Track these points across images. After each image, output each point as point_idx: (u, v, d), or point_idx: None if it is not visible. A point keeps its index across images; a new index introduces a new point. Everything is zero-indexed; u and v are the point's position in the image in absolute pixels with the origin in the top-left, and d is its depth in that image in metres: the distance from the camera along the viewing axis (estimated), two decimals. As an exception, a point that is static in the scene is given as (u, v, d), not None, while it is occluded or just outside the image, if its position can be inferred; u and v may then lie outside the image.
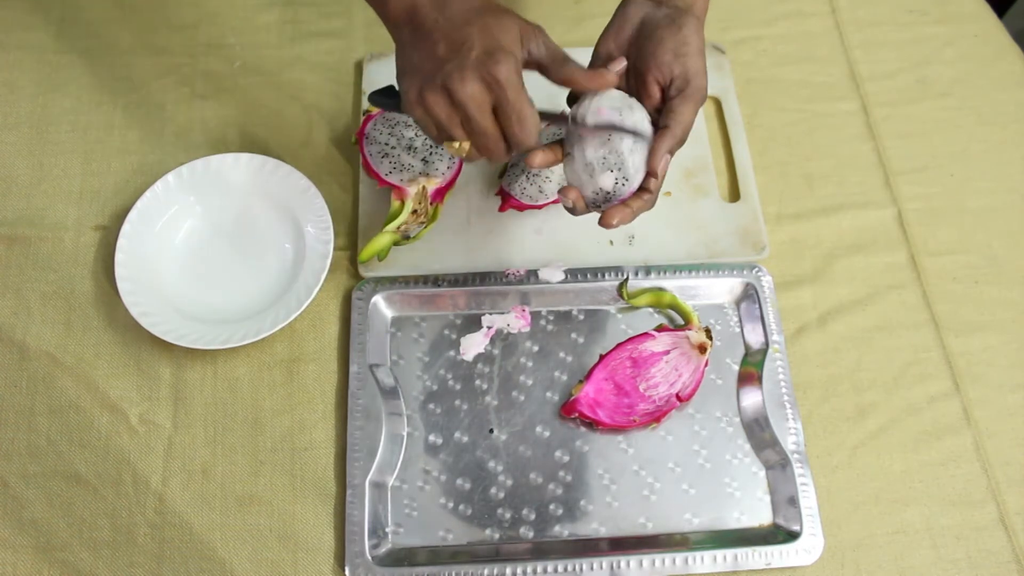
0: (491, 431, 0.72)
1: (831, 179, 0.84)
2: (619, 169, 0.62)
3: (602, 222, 0.63)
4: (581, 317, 0.76)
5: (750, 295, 0.76)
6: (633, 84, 0.65)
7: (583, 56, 0.88)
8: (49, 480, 0.69)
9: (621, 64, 0.63)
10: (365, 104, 0.84)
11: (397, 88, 0.65)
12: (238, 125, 0.85)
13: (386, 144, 0.75)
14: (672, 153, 0.63)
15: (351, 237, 0.79)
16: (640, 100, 0.64)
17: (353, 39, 0.90)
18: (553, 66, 0.60)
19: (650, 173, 0.62)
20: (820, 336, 0.76)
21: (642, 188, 0.63)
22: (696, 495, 0.70)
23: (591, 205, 0.64)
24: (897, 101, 0.88)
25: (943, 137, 0.87)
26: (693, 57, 0.63)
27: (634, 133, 0.62)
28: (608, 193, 0.63)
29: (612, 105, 0.62)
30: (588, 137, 0.62)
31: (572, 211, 0.65)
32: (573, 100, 0.66)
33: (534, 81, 0.60)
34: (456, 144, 0.59)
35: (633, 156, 0.62)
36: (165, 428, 0.71)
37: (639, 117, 0.62)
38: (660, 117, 0.63)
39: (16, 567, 0.66)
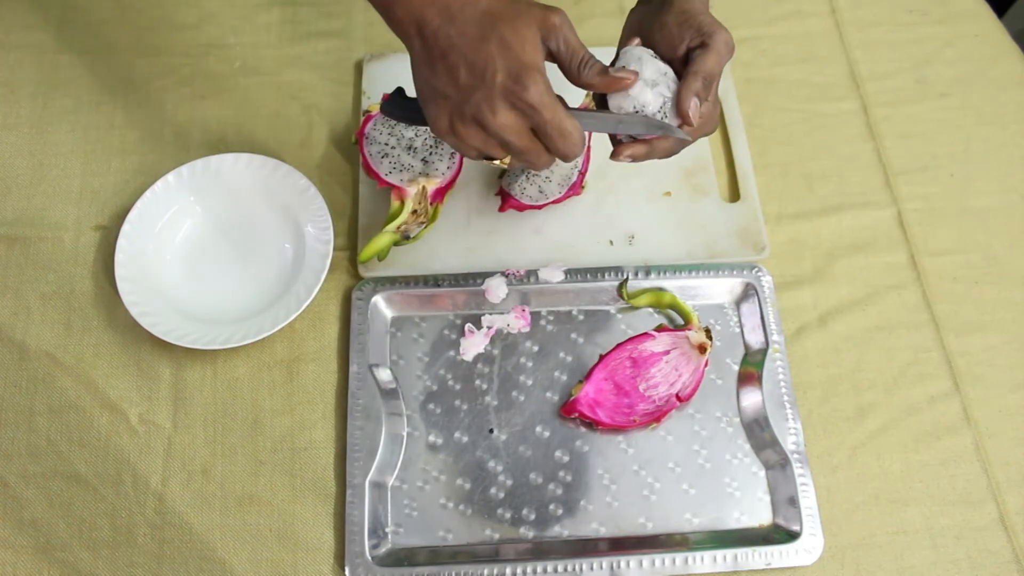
0: (491, 431, 0.72)
1: (831, 179, 0.84)
2: (666, 100, 0.60)
3: (614, 154, 0.62)
4: (581, 317, 0.76)
5: (750, 295, 0.76)
6: None
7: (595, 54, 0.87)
8: (49, 480, 0.69)
9: (636, 41, 0.62)
10: (365, 104, 0.84)
11: (406, 93, 0.65)
12: (238, 125, 0.85)
13: (386, 144, 0.75)
14: (700, 99, 0.60)
15: (351, 237, 0.79)
16: None
17: (353, 39, 0.90)
18: (571, 68, 0.57)
19: (683, 119, 0.60)
20: (820, 336, 0.76)
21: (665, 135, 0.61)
22: (696, 495, 0.70)
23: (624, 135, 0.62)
24: (897, 101, 0.88)
25: (943, 137, 0.87)
26: (699, 16, 0.61)
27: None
28: (655, 112, 0.60)
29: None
30: (648, 60, 0.61)
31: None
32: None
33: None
34: (496, 161, 0.59)
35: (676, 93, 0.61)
36: (165, 428, 0.71)
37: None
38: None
39: (16, 567, 0.66)
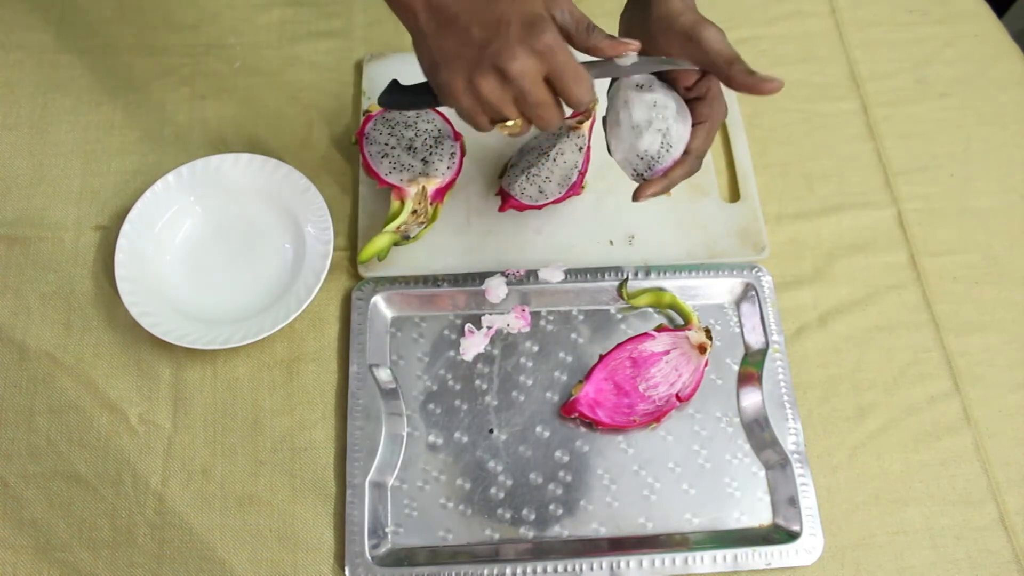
0: (491, 431, 0.72)
1: (831, 179, 0.84)
2: (664, 134, 0.63)
3: (636, 195, 0.65)
4: (581, 317, 0.76)
5: (750, 295, 0.76)
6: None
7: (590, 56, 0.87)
8: (49, 480, 0.69)
9: (637, 44, 0.61)
10: (365, 104, 0.84)
11: (400, 84, 0.65)
12: (238, 125, 0.85)
13: (386, 144, 0.75)
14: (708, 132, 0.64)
15: (351, 237, 0.79)
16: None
17: (353, 39, 0.90)
18: (578, 34, 0.59)
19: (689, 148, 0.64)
20: (820, 336, 0.76)
21: (684, 154, 0.64)
22: (696, 495, 0.70)
23: (635, 175, 0.65)
24: (897, 101, 0.88)
25: (943, 137, 0.87)
26: (679, 17, 0.61)
27: (677, 100, 0.63)
28: (652, 158, 0.63)
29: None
30: (634, 99, 0.63)
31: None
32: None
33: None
34: (509, 123, 0.59)
35: (677, 124, 0.63)
36: (165, 428, 0.71)
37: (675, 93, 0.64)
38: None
39: (16, 567, 0.66)
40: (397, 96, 0.65)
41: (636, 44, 0.60)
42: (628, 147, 0.64)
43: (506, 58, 0.55)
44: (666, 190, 0.65)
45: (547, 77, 0.57)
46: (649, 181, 0.64)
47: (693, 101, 0.64)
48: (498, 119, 0.59)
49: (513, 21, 0.55)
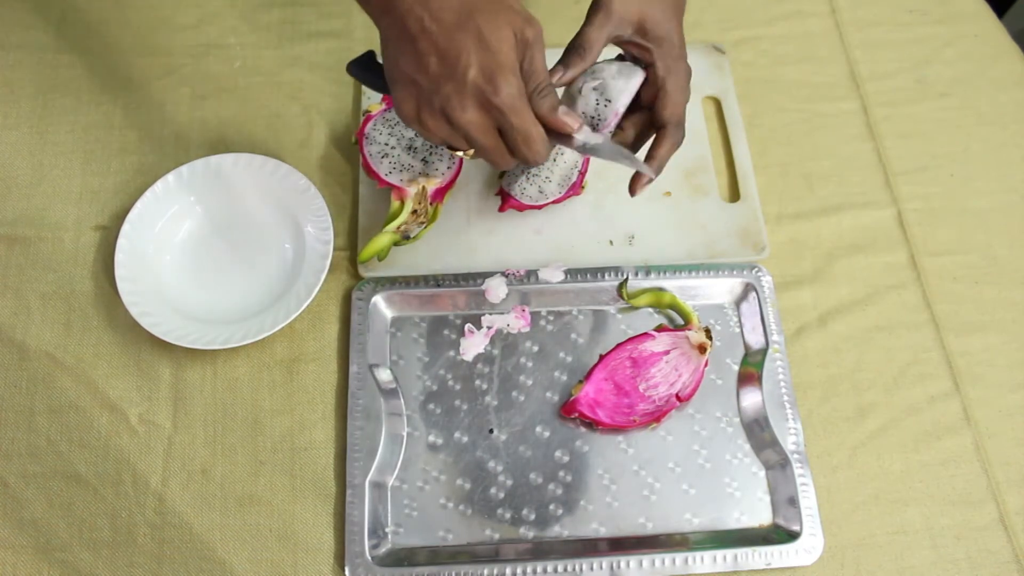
0: (491, 431, 0.72)
1: (831, 179, 0.84)
2: (600, 91, 0.63)
3: (631, 188, 0.66)
4: (581, 317, 0.76)
5: (750, 295, 0.76)
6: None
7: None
8: (49, 480, 0.69)
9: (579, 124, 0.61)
10: (365, 104, 0.84)
11: (377, 58, 0.63)
12: (238, 125, 0.85)
13: (386, 144, 0.75)
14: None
15: (351, 237, 0.79)
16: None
17: (353, 39, 0.90)
18: (533, 96, 0.56)
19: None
20: (820, 336, 0.76)
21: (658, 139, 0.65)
22: (696, 495, 0.70)
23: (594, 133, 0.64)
24: (897, 101, 0.88)
25: (943, 137, 0.87)
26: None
27: (619, 63, 0.64)
28: (593, 118, 0.64)
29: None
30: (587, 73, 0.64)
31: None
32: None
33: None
34: (460, 152, 0.59)
35: (616, 81, 0.63)
36: (165, 428, 0.71)
37: (636, 75, 0.65)
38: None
39: (16, 567, 0.66)
40: (366, 73, 0.63)
41: (578, 124, 0.59)
42: (576, 110, 0.64)
43: (455, 107, 0.53)
44: (658, 171, 0.64)
45: (499, 129, 0.55)
46: (639, 172, 0.64)
47: (648, 67, 0.64)
48: (450, 148, 0.58)
49: (472, 65, 0.52)
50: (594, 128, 0.64)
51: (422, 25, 0.53)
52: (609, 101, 0.64)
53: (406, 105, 0.56)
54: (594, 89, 0.64)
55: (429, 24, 0.52)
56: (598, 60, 0.64)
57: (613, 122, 0.65)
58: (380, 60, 0.62)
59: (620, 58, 0.67)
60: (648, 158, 0.65)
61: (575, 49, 0.61)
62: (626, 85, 0.64)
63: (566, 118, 0.58)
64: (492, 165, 0.59)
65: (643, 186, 0.66)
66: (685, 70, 0.64)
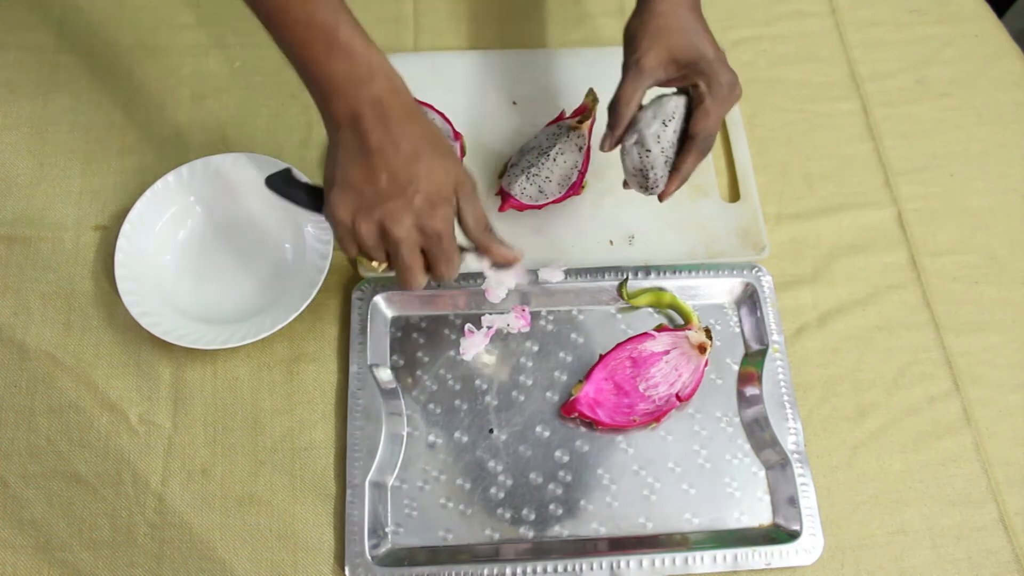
0: (491, 431, 0.72)
1: (831, 179, 0.84)
2: (640, 143, 0.66)
3: (661, 197, 0.69)
4: (581, 317, 0.76)
5: (750, 295, 0.76)
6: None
7: (590, 56, 0.89)
8: (49, 480, 0.69)
9: (520, 256, 0.65)
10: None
11: (293, 174, 0.67)
12: (238, 125, 0.85)
13: (386, 144, 0.75)
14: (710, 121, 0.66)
15: (351, 237, 0.79)
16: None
17: (353, 39, 0.90)
18: (474, 231, 0.62)
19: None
20: (820, 336, 0.76)
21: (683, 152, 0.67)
22: (696, 495, 0.70)
23: (642, 187, 0.69)
24: (897, 101, 0.88)
25: (943, 137, 0.87)
26: (673, 36, 0.65)
27: (655, 103, 0.67)
28: (640, 170, 0.67)
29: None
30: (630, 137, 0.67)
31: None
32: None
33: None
34: (374, 263, 0.62)
35: (651, 127, 0.66)
36: (165, 428, 0.71)
37: (670, 108, 0.67)
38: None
39: (16, 567, 0.66)
40: (284, 187, 0.67)
41: (519, 256, 0.64)
42: (626, 171, 0.68)
43: (397, 223, 0.58)
44: (680, 183, 0.68)
45: (423, 248, 0.60)
46: (670, 180, 0.67)
47: (694, 87, 0.67)
48: (365, 256, 0.61)
49: (421, 191, 0.58)
50: (646, 179, 0.67)
51: (381, 145, 0.58)
52: (649, 151, 0.66)
53: (341, 208, 0.59)
54: (635, 144, 0.66)
55: (388, 147, 0.58)
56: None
57: (662, 172, 0.67)
58: (297, 176, 0.67)
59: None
60: (672, 169, 0.67)
61: (613, 110, 0.67)
62: (660, 128, 0.66)
63: (508, 253, 0.64)
64: (400, 282, 0.62)
65: (673, 191, 0.68)
66: (727, 79, 0.66)
